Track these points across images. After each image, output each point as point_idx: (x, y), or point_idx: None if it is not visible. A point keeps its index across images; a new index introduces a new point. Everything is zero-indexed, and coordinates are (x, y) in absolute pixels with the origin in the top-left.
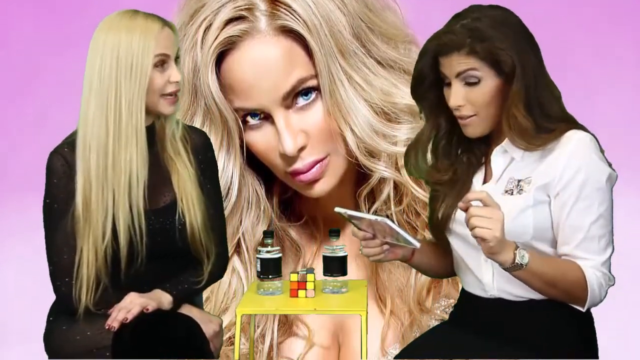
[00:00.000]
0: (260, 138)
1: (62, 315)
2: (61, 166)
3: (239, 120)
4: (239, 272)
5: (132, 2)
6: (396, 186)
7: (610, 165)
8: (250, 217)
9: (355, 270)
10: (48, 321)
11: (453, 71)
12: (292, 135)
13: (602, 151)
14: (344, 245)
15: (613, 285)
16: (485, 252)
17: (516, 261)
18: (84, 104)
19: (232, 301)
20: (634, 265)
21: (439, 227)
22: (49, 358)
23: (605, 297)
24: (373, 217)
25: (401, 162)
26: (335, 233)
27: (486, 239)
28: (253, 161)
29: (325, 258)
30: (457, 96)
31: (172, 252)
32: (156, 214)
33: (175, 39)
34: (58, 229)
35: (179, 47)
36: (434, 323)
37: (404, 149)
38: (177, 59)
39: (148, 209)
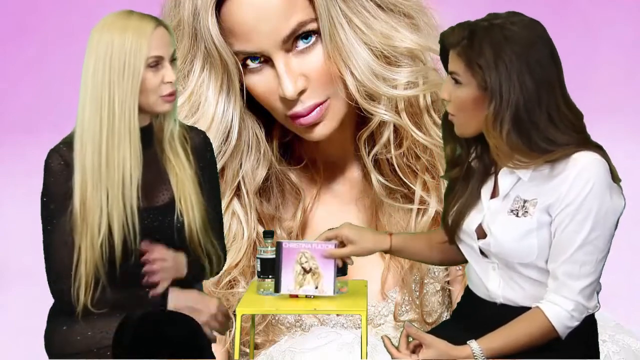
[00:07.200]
0: (260, 81)
1: (62, 315)
2: (59, 165)
3: (239, 64)
4: (239, 215)
5: None
6: (396, 129)
7: (619, 186)
8: (250, 161)
9: (355, 214)
10: (48, 321)
11: (449, 67)
12: (292, 79)
13: (614, 174)
14: None
15: (596, 310)
16: None
17: (475, 355)
18: (81, 102)
19: (232, 244)
20: (634, 205)
21: (449, 232)
22: (49, 358)
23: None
24: None
25: (401, 105)
26: None
27: None
28: (253, 105)
29: None
30: (444, 90)
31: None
32: (154, 212)
33: (171, 39)
34: (56, 227)
35: (175, 48)
36: (434, 266)
37: (403, 92)
38: (173, 60)
39: (146, 207)
